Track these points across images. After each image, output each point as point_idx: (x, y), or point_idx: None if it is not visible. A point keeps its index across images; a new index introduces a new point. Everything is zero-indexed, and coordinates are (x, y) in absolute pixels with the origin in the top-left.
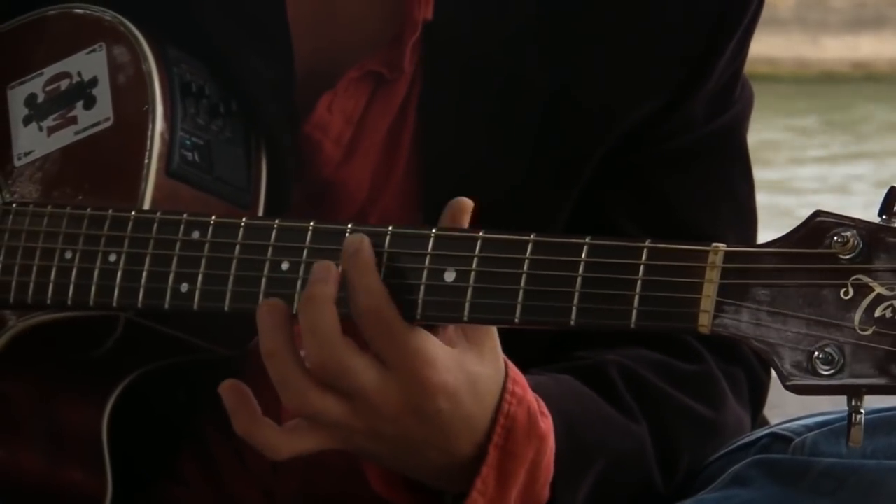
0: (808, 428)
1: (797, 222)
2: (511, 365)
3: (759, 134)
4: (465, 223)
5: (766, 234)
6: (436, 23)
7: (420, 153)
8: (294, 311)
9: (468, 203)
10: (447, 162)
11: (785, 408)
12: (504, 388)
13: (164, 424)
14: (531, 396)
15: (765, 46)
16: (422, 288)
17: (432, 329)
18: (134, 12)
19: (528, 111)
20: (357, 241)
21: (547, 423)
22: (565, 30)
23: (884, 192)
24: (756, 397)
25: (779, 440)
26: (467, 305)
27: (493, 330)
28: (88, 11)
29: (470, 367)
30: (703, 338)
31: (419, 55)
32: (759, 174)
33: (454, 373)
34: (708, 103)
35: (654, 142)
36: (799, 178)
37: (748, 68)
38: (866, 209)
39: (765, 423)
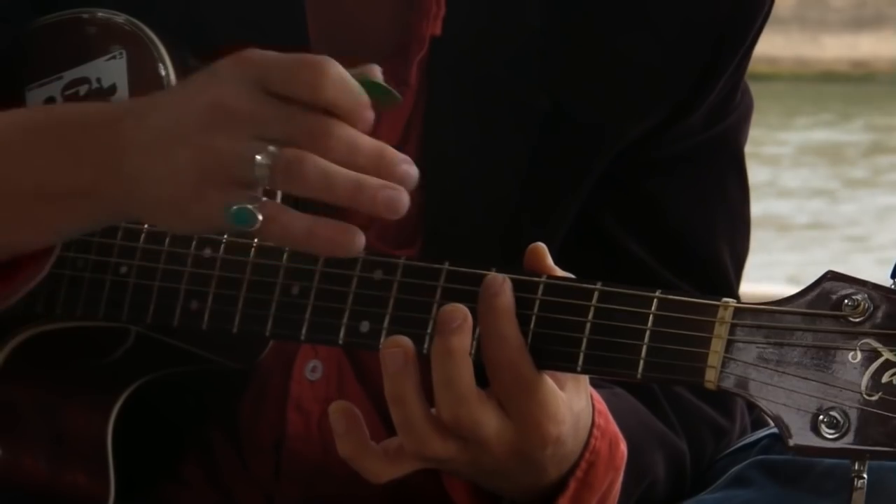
0: None
1: None
2: (592, 391)
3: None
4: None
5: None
6: (444, 38)
7: (423, 168)
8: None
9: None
10: (449, 177)
11: None
12: (592, 423)
13: (168, 429)
14: (613, 425)
15: (765, 45)
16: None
17: None
18: (151, 26)
19: (528, 128)
20: (498, 283)
21: (622, 455)
22: (568, 48)
23: None
24: None
25: (780, 441)
26: (475, 343)
27: None
28: (110, 17)
29: (575, 407)
30: None
31: (424, 69)
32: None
33: (568, 422)
34: (707, 111)
35: (650, 150)
36: None
37: (748, 67)
38: None
39: (765, 423)
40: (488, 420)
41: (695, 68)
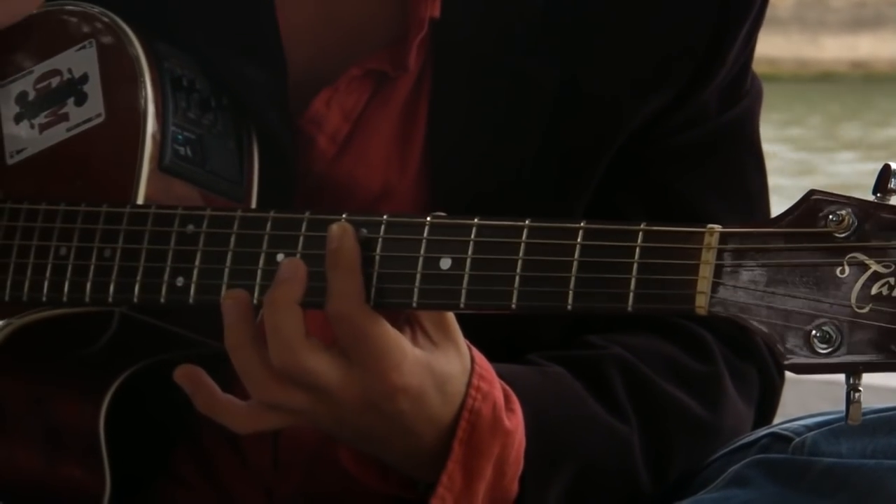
0: (808, 428)
1: None
2: (479, 359)
3: None
4: None
5: None
6: (443, 21)
7: (431, 151)
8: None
9: None
10: (458, 160)
11: (785, 407)
12: (469, 384)
13: (160, 422)
14: (498, 392)
15: (764, 46)
16: (417, 276)
17: (398, 328)
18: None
19: (538, 108)
20: (338, 235)
21: (514, 420)
22: (573, 25)
23: None
24: (766, 399)
25: (779, 440)
26: (463, 293)
27: (456, 330)
28: (78, 8)
29: (439, 369)
30: (718, 333)
31: (426, 53)
32: None
33: (419, 376)
34: (720, 95)
35: (666, 136)
36: None
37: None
38: None
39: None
40: (319, 366)
41: (702, 39)
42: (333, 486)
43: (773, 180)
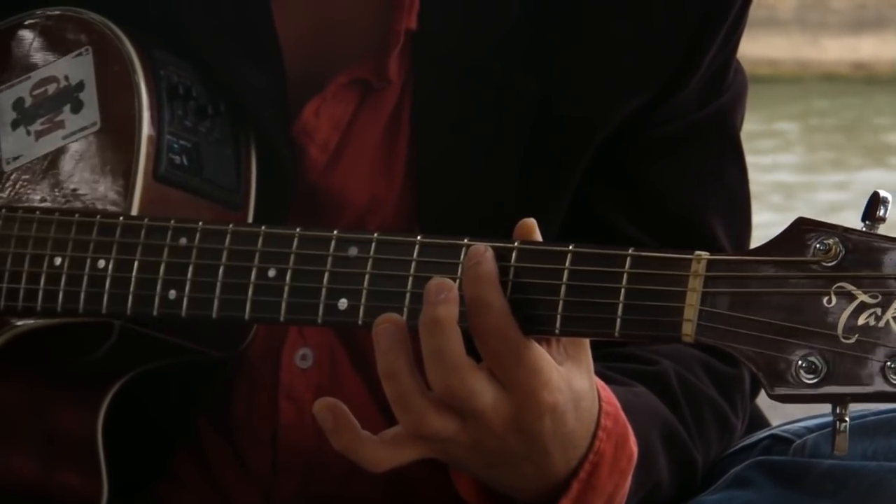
0: (809, 430)
1: None
2: (603, 389)
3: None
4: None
5: None
6: (420, 33)
7: (415, 163)
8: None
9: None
10: (439, 170)
11: (785, 409)
12: (598, 424)
13: (160, 427)
14: (622, 426)
15: (765, 47)
16: (407, 295)
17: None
18: (120, 23)
19: (517, 117)
20: (480, 252)
21: (629, 456)
22: (550, 34)
23: None
24: (754, 393)
25: (780, 442)
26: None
27: (587, 344)
28: (75, 15)
29: (575, 385)
30: None
31: (408, 65)
32: None
33: (564, 392)
34: (698, 92)
35: (642, 131)
36: None
37: (749, 69)
38: None
39: (766, 424)
40: (482, 389)
41: (679, 47)
42: (332, 489)
43: None
